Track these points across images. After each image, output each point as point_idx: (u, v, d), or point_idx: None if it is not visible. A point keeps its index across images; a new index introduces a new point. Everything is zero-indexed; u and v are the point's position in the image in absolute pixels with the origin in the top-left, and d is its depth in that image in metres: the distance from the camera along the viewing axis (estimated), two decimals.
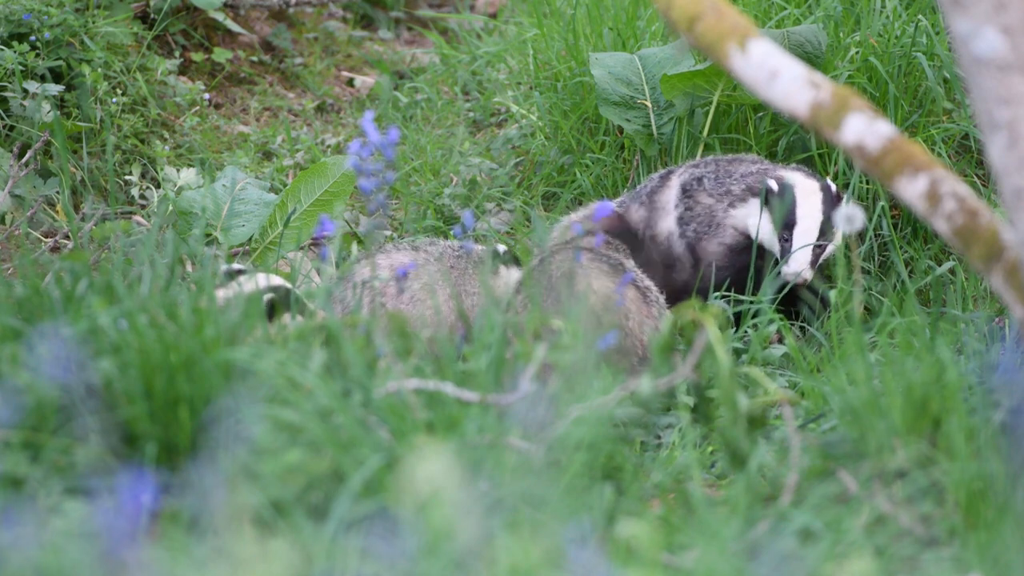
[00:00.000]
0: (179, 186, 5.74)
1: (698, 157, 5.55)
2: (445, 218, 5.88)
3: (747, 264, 4.96)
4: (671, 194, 5.19)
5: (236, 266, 3.92)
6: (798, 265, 4.91)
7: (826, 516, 2.99)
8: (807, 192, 4.96)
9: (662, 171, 5.33)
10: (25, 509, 2.76)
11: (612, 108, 5.62)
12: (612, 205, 5.14)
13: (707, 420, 3.34)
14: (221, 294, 3.41)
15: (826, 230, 4.93)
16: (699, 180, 5.16)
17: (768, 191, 4.96)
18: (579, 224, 4.59)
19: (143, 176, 5.97)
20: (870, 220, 5.32)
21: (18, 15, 5.79)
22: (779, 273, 4.92)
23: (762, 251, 5.00)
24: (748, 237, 5.02)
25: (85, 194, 5.72)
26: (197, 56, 6.66)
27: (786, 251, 4.94)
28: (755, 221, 5.00)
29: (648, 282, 4.68)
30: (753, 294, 4.83)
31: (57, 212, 5.58)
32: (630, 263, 4.78)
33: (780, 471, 3.22)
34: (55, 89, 5.72)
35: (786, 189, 4.94)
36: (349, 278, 4.64)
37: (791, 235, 4.93)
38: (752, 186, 5.07)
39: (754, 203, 5.03)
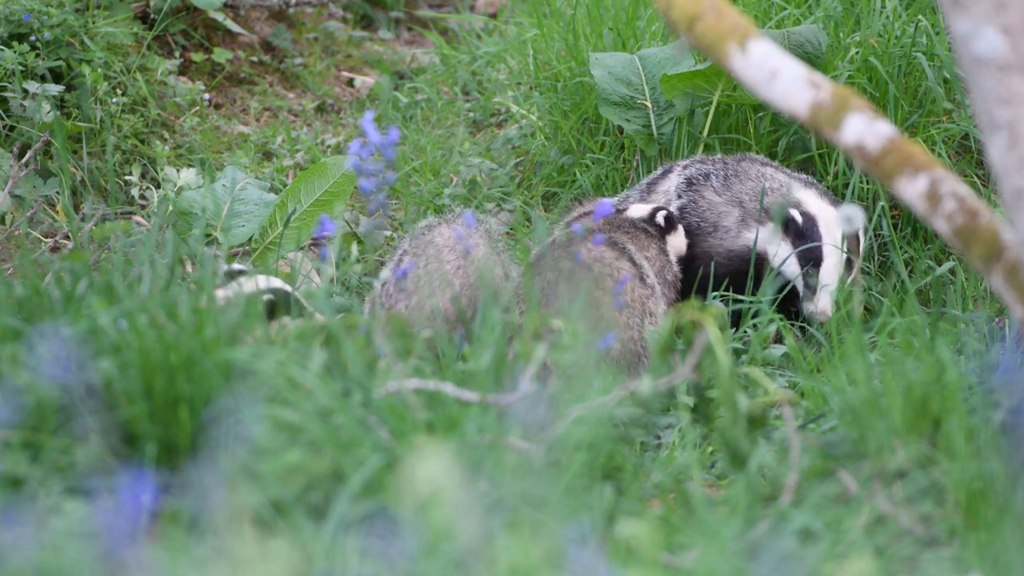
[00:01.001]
0: (179, 186, 5.74)
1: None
2: None
3: (746, 271, 4.94)
4: (671, 184, 5.17)
5: (236, 266, 3.92)
6: (824, 305, 4.84)
7: (826, 516, 2.99)
8: (830, 225, 4.90)
9: (664, 167, 5.31)
10: (25, 509, 2.76)
11: (612, 108, 5.62)
12: (611, 204, 5.13)
13: (707, 420, 3.33)
14: (220, 294, 3.41)
15: (849, 263, 4.89)
16: (706, 176, 5.12)
17: (791, 221, 4.89)
18: (579, 224, 4.60)
19: (143, 176, 5.97)
20: (870, 220, 5.32)
21: (18, 15, 5.79)
22: (802, 307, 4.87)
23: (760, 257, 4.97)
24: (759, 254, 4.94)
25: (85, 194, 5.72)
26: (197, 56, 6.66)
27: (810, 288, 4.87)
28: (774, 249, 4.93)
29: (642, 259, 4.69)
30: (752, 294, 4.82)
31: (57, 212, 5.58)
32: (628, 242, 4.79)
33: (780, 471, 3.21)
34: (55, 89, 5.72)
35: (810, 223, 4.88)
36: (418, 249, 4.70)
37: (816, 272, 4.87)
38: (770, 210, 4.97)
39: (772, 228, 4.93)
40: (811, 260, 4.86)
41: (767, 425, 3.26)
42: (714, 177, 5.11)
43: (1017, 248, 2.99)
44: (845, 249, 4.86)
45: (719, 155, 5.26)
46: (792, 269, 4.91)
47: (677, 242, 5.02)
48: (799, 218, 4.87)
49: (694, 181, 5.13)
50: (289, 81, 6.91)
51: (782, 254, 4.92)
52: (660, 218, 4.96)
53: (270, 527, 2.75)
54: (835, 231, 4.87)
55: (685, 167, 5.19)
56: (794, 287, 4.92)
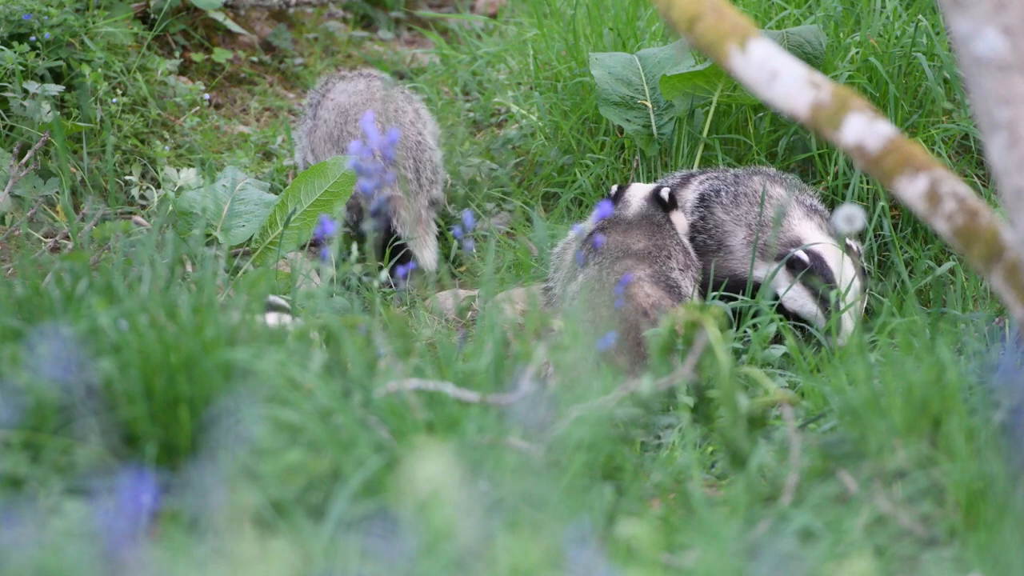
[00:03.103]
0: (179, 186, 5.74)
1: (698, 157, 5.55)
2: (445, 218, 5.88)
3: (745, 284, 4.93)
4: (689, 197, 5.16)
5: (278, 299, 3.92)
6: (850, 329, 4.79)
7: (826, 516, 2.99)
8: (835, 259, 4.88)
9: (683, 172, 5.29)
10: (25, 509, 2.76)
11: (612, 108, 5.62)
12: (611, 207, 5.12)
13: (707, 420, 3.33)
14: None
15: (862, 285, 4.87)
16: (717, 192, 5.11)
17: (799, 262, 4.86)
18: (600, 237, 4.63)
19: (143, 176, 5.97)
20: (870, 220, 5.32)
21: (18, 15, 5.79)
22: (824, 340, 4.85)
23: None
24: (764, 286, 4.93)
25: (85, 194, 5.72)
26: (197, 56, 6.66)
27: (828, 318, 4.83)
28: (782, 291, 4.89)
29: (674, 274, 4.72)
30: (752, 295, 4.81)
31: (57, 212, 5.58)
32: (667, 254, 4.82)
33: (780, 471, 3.21)
34: (55, 89, 5.72)
35: (818, 263, 4.85)
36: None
37: (831, 303, 4.83)
38: (781, 254, 4.92)
39: (783, 270, 4.89)
40: (824, 297, 4.83)
41: (767, 425, 3.26)
42: (724, 194, 5.09)
43: (1017, 248, 2.99)
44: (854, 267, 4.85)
45: (732, 170, 5.24)
46: (807, 308, 4.90)
47: (681, 220, 5.04)
48: (806, 259, 4.85)
49: (706, 197, 5.12)
50: (289, 81, 6.91)
51: (794, 295, 4.89)
52: (664, 194, 4.97)
53: (270, 527, 2.75)
54: (841, 265, 4.85)
55: (701, 182, 5.17)
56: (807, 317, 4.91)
